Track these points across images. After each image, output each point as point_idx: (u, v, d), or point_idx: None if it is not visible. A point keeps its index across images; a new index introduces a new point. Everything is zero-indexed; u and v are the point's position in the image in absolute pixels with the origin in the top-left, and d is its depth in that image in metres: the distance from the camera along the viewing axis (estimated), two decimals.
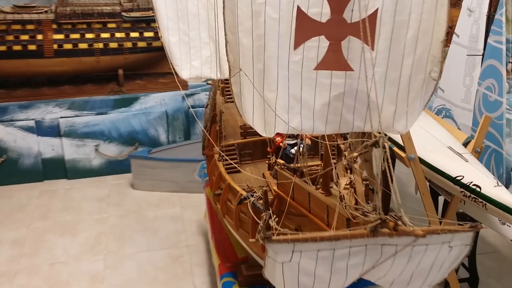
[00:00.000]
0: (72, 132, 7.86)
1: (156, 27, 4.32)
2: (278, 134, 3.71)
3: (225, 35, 2.67)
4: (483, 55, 4.70)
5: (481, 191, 3.82)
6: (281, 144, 4.19)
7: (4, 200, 7.37)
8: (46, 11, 7.82)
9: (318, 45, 2.70)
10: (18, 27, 7.66)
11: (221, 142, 4.65)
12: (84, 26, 7.89)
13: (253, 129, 4.71)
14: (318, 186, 3.28)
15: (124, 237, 6.50)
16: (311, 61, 2.72)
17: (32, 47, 7.73)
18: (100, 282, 5.68)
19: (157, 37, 8.07)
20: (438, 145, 4.42)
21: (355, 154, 3.30)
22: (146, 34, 8.10)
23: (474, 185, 3.87)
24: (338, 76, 2.75)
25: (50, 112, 7.82)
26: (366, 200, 3.01)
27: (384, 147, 2.25)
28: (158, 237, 6.47)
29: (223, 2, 2.62)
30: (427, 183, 4.42)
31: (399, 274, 2.62)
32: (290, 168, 3.28)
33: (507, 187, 4.31)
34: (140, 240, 6.42)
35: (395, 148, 4.52)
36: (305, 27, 2.66)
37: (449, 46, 5.16)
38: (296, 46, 2.70)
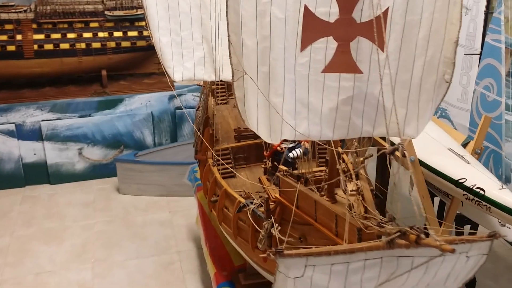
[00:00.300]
0: (54, 135, 7.62)
1: (146, 26, 4.13)
2: None
3: (228, 36, 2.52)
4: (480, 54, 4.62)
5: (485, 194, 3.73)
6: (278, 148, 4.05)
7: None
8: (25, 10, 7.54)
9: (326, 47, 2.57)
10: None
11: (215, 146, 4.49)
12: (66, 25, 7.64)
13: (247, 132, 4.66)
14: (323, 193, 3.14)
15: (112, 244, 6.30)
16: (319, 63, 2.59)
17: (11, 47, 7.47)
18: None
19: (141, 37, 7.88)
20: (438, 147, 4.32)
21: (361, 159, 3.18)
22: (130, 33, 7.88)
23: (477, 188, 3.78)
24: (347, 79, 2.63)
25: (31, 115, 7.58)
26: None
27: (404, 155, 2.12)
28: (147, 244, 6.29)
29: (226, 1, 2.47)
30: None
31: (413, 286, 2.51)
32: (294, 175, 3.14)
33: None
34: (129, 247, 6.22)
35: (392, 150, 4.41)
36: (312, 27, 2.53)
37: None
38: (303, 47, 2.56)
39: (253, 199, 3.52)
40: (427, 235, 2.13)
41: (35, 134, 7.59)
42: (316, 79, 2.60)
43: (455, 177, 3.96)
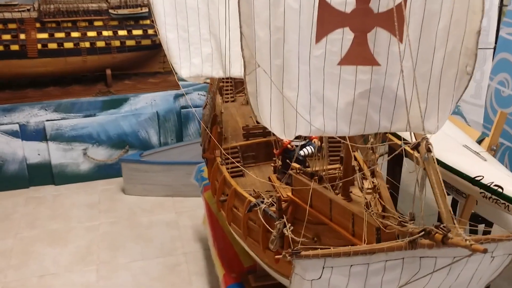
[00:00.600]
0: (58, 135, 7.51)
1: (152, 22, 4.03)
2: None
3: (240, 27, 2.42)
4: (494, 48, 4.51)
5: (504, 192, 3.62)
6: (288, 145, 3.94)
7: None
8: (28, 9, 7.46)
9: (342, 38, 2.46)
10: None
11: (223, 144, 4.38)
12: (70, 24, 7.54)
13: (256, 130, 4.55)
14: (337, 191, 3.04)
15: (117, 245, 6.19)
16: (335, 55, 2.48)
17: (14, 47, 7.36)
18: None
19: (146, 35, 7.78)
20: (453, 144, 4.21)
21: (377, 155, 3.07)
22: (135, 32, 7.78)
23: (495, 185, 3.67)
24: (364, 71, 2.52)
25: (35, 115, 7.46)
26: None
27: (429, 150, 2.01)
28: (153, 245, 6.18)
29: None
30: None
31: None
32: (307, 173, 3.03)
33: None
34: (134, 249, 6.12)
35: (406, 147, 4.30)
36: (328, 18, 2.42)
37: None
38: (318, 39, 2.46)
39: (264, 199, 3.42)
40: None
41: (39, 135, 7.48)
42: (331, 72, 2.50)
43: (472, 174, 3.85)
